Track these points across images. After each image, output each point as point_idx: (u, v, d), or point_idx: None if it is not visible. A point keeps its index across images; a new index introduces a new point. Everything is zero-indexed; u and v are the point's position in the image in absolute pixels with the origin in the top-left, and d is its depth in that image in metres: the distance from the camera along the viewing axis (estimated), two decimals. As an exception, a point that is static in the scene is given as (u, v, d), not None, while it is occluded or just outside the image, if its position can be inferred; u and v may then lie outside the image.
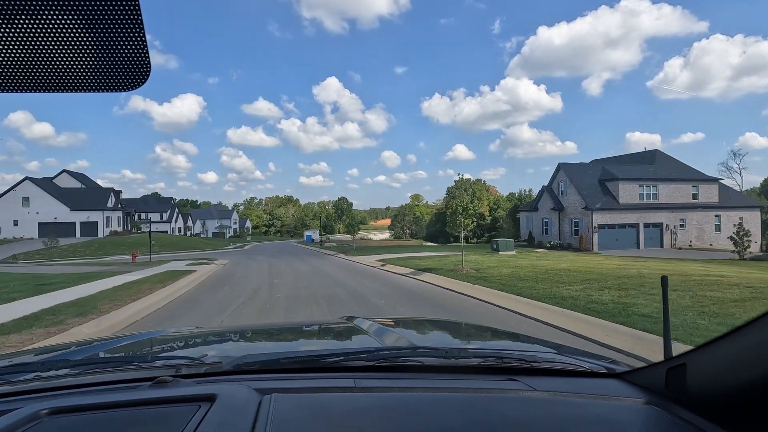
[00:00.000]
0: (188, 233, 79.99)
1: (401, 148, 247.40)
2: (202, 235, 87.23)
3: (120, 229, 52.38)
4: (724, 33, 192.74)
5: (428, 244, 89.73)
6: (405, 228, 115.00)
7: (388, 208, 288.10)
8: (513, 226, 52.34)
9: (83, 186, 53.46)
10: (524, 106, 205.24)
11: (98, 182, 58.82)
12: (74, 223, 47.12)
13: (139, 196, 76.33)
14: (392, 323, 2.04)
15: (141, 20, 0.56)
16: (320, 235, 63.78)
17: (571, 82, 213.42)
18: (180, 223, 76.90)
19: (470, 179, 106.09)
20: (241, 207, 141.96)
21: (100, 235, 47.31)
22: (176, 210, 75.23)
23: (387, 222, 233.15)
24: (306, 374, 1.08)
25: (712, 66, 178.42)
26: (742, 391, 0.73)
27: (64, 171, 55.01)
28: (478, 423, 0.83)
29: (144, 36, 0.57)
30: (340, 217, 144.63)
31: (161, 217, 70.11)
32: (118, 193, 57.48)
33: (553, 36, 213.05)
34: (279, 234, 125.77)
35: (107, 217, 49.89)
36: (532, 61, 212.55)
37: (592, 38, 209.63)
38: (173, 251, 38.93)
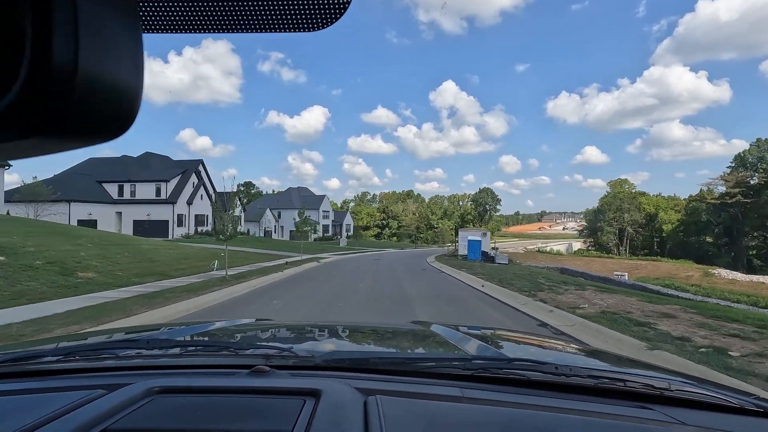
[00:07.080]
0: (236, 228, 43.83)
1: (521, 152, 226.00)
2: (275, 235, 52.34)
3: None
4: None
5: (726, 273, 40.10)
6: (623, 234, 64.41)
7: (517, 213, 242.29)
8: None
9: None
10: (676, 99, 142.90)
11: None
12: None
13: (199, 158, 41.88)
14: (472, 332, 1.86)
15: None
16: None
17: (744, 65, 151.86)
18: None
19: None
20: (351, 203, 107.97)
21: None
22: (204, 186, 39.85)
23: (523, 228, 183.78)
24: (402, 377, 1.04)
25: None
26: None
27: None
28: None
29: None
30: (481, 216, 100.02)
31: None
32: None
33: (720, 10, 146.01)
34: (395, 237, 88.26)
35: None
36: (688, 44, 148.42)
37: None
38: None
